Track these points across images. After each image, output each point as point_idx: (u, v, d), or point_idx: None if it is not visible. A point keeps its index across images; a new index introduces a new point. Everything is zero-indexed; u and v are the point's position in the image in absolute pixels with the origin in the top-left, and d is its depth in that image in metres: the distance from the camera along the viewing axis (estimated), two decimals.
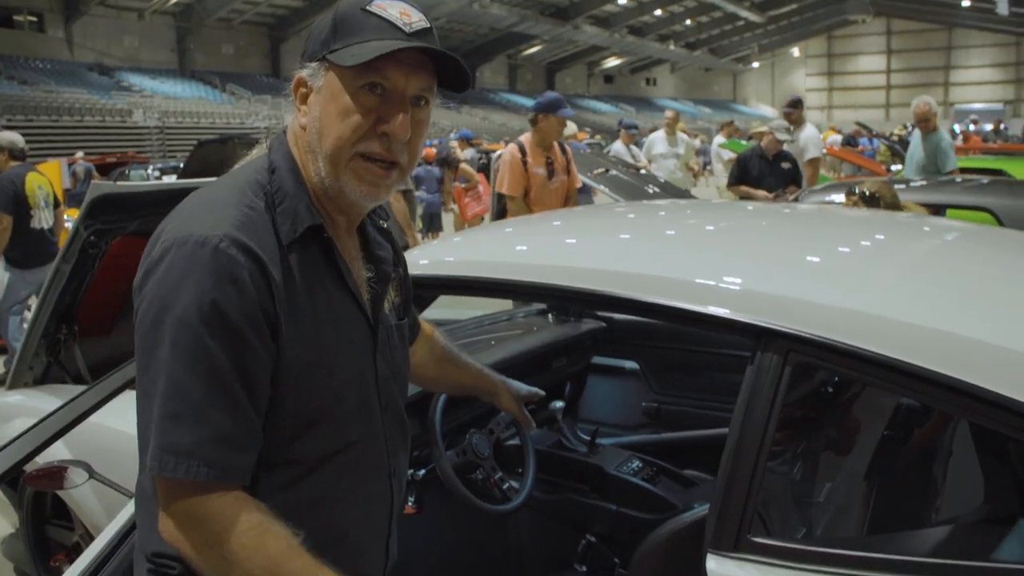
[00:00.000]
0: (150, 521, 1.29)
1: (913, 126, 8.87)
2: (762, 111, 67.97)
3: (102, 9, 35.43)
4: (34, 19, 34.72)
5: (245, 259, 1.18)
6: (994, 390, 1.33)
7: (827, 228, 2.21)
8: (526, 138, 5.59)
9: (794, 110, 8.61)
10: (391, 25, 1.25)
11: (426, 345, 1.80)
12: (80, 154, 19.10)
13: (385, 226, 1.52)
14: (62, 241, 7.36)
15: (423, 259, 2.15)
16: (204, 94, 38.14)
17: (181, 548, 1.19)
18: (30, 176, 6.54)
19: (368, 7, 1.26)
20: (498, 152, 6.05)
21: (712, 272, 1.72)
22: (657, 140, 10.05)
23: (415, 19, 1.28)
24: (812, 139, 8.54)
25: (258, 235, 1.21)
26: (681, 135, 10.12)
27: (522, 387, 2.08)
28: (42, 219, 6.54)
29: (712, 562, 1.47)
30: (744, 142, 13.38)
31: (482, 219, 11.12)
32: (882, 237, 2.08)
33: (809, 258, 1.88)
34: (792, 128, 7.97)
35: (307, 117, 1.30)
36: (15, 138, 6.79)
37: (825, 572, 1.38)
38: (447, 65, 1.30)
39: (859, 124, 20.36)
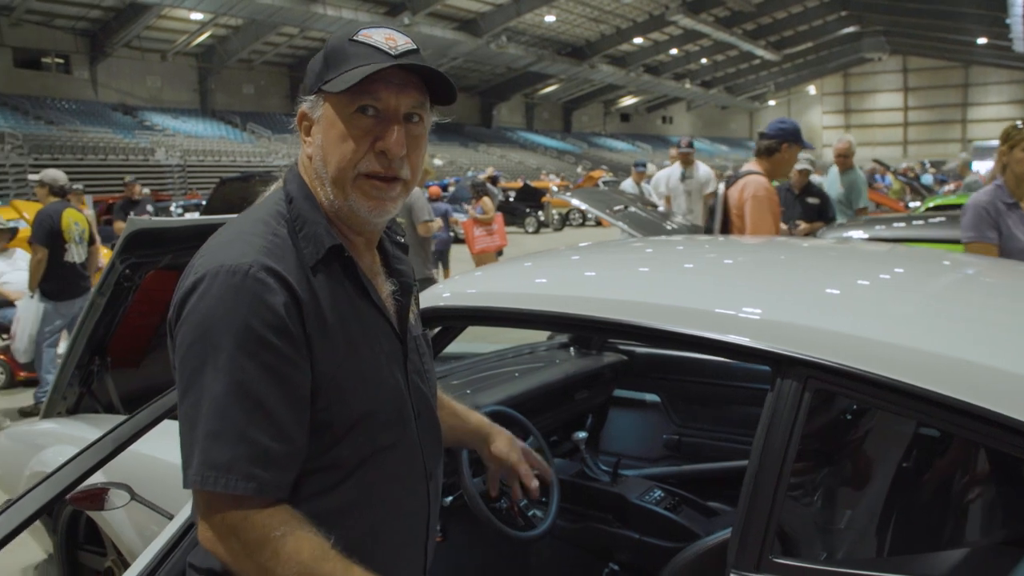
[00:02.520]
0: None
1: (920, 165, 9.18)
2: None
3: (126, 51, 36.17)
4: (61, 61, 35.50)
5: (274, 282, 1.25)
6: (1009, 415, 1.37)
7: (843, 260, 2.27)
8: (758, 169, 4.73)
9: (691, 150, 9.06)
10: (377, 50, 1.33)
11: None
12: (146, 191, 19.16)
13: (402, 240, 1.59)
14: (95, 278, 7.56)
15: (446, 292, 2.22)
16: (225, 133, 38.73)
17: (220, 556, 1.26)
18: (67, 212, 6.83)
19: (355, 37, 1.35)
20: (720, 186, 5.03)
21: (732, 302, 1.77)
22: (671, 176, 9.56)
23: (400, 42, 1.35)
24: (709, 175, 9.09)
25: (284, 260, 1.28)
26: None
27: (520, 443, 1.98)
28: (75, 254, 6.76)
29: None
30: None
31: (499, 254, 11.16)
32: (898, 269, 2.14)
33: (825, 289, 1.93)
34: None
35: (311, 147, 1.37)
36: (57, 175, 7.09)
37: None
38: (437, 83, 1.38)
39: (876, 161, 20.41)
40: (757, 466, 1.55)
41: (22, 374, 7.60)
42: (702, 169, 9.08)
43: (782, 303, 1.78)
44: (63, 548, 3.30)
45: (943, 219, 7.70)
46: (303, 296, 1.27)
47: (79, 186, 10.47)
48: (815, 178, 8.14)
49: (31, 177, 7.92)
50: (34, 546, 3.77)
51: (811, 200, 7.71)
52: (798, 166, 7.72)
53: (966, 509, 1.70)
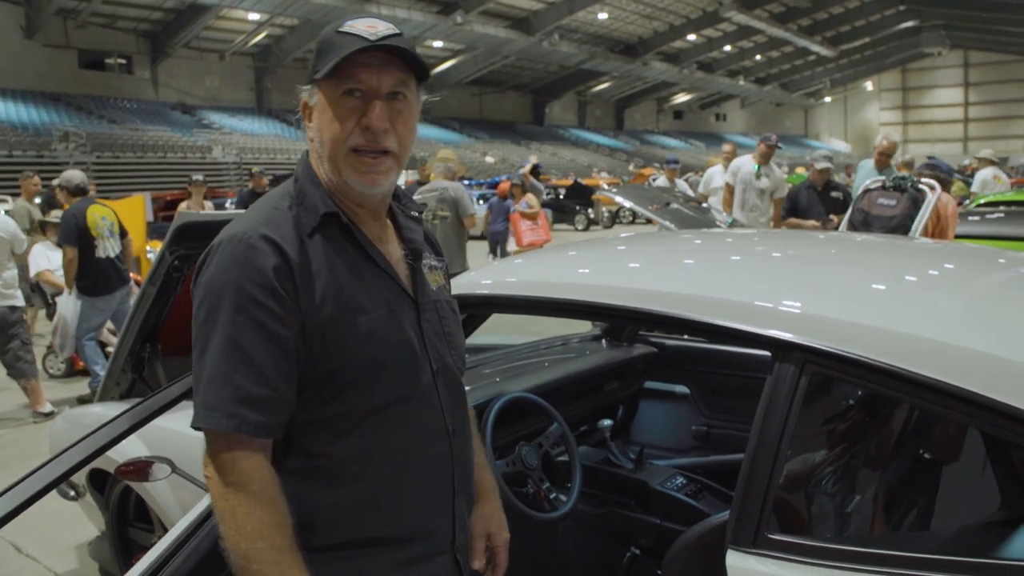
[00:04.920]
0: None
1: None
2: (835, 146, 67.09)
3: (185, 51, 37.02)
4: (123, 61, 36.48)
5: (266, 246, 1.40)
6: (997, 398, 1.43)
7: (844, 252, 2.32)
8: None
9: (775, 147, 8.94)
10: (358, 38, 1.45)
11: None
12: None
13: (416, 215, 1.71)
14: (137, 268, 7.80)
15: (485, 279, 2.30)
16: (280, 131, 39.36)
17: (209, 487, 1.41)
18: (91, 209, 6.95)
19: (340, 29, 1.48)
20: (933, 194, 5.91)
21: (738, 290, 1.84)
22: (742, 169, 9.13)
23: (381, 28, 1.47)
24: (783, 179, 9.00)
25: (279, 227, 1.44)
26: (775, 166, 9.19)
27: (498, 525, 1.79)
28: (107, 248, 6.93)
29: (732, 558, 1.58)
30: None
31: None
32: (912, 261, 2.19)
33: (830, 278, 1.99)
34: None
35: (312, 130, 1.52)
36: (72, 175, 7.19)
37: (836, 567, 1.48)
38: (409, 59, 1.48)
39: (930, 158, 20.02)
40: (755, 447, 1.62)
41: (81, 364, 7.89)
42: (778, 171, 8.99)
43: (785, 291, 1.84)
44: (114, 524, 3.47)
45: (1000, 215, 7.66)
46: (294, 258, 1.41)
47: (199, 177, 10.30)
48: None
49: (54, 182, 7.91)
50: (88, 524, 3.97)
51: (834, 195, 7.80)
52: (819, 166, 7.83)
53: (957, 489, 1.75)
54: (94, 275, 6.85)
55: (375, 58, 1.45)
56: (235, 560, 1.35)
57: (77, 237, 6.75)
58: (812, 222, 7.51)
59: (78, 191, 7.08)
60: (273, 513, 1.36)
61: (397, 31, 1.48)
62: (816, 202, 7.68)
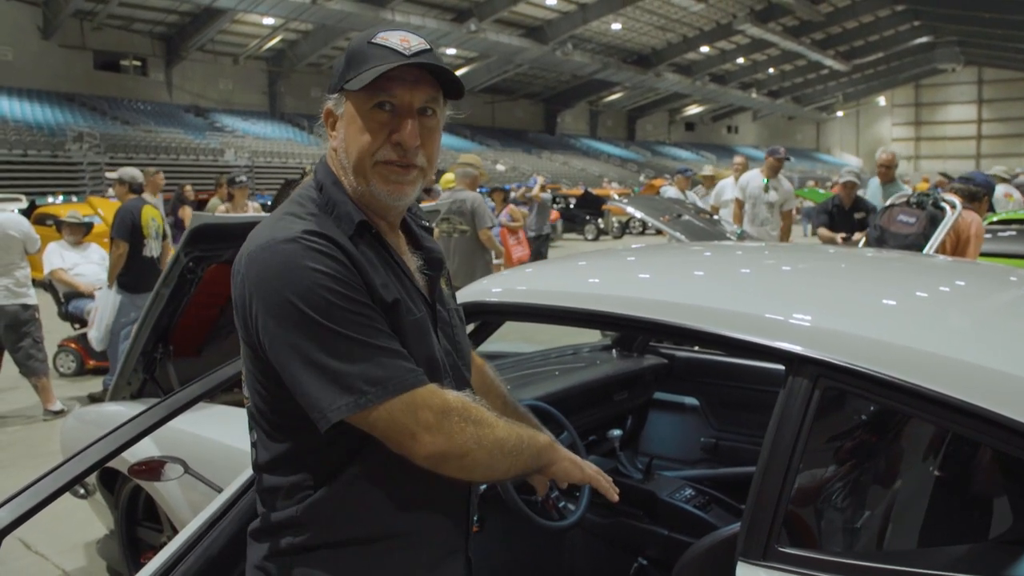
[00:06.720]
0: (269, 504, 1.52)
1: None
2: (846, 160, 66.96)
3: (200, 54, 37.21)
4: (138, 64, 36.68)
5: (327, 243, 1.39)
6: (1008, 415, 1.43)
7: (857, 266, 2.33)
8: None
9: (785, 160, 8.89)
10: (392, 51, 1.44)
11: (478, 377, 1.90)
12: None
13: (427, 225, 1.72)
14: None
15: (496, 287, 2.31)
16: (292, 135, 39.49)
17: (440, 448, 1.39)
18: (145, 209, 7.17)
19: (373, 40, 1.47)
20: (953, 213, 5.59)
21: (752, 303, 1.85)
22: (751, 183, 9.10)
23: (414, 43, 1.46)
24: (791, 192, 9.02)
25: (328, 229, 1.42)
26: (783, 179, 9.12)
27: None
28: (152, 248, 7.08)
29: (742, 570, 1.58)
30: (822, 191, 13.41)
31: None
32: (924, 277, 2.19)
33: (837, 291, 1.99)
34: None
35: (336, 140, 1.52)
36: (136, 173, 7.45)
37: None
38: (447, 78, 1.49)
39: (943, 175, 19.97)
40: (767, 459, 1.62)
41: (91, 363, 7.95)
42: (786, 183, 8.99)
43: (798, 304, 1.85)
44: (123, 524, 3.49)
45: (1013, 233, 7.64)
46: (356, 256, 1.41)
47: (243, 178, 10.29)
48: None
49: (108, 175, 8.06)
50: (96, 522, 3.99)
51: (858, 215, 7.71)
52: (842, 180, 7.74)
53: (970, 506, 1.75)
54: (136, 272, 6.99)
55: (409, 73, 1.45)
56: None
57: (131, 233, 6.92)
58: (841, 235, 7.47)
59: (139, 188, 7.36)
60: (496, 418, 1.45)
61: (428, 47, 1.48)
62: (841, 221, 7.64)
